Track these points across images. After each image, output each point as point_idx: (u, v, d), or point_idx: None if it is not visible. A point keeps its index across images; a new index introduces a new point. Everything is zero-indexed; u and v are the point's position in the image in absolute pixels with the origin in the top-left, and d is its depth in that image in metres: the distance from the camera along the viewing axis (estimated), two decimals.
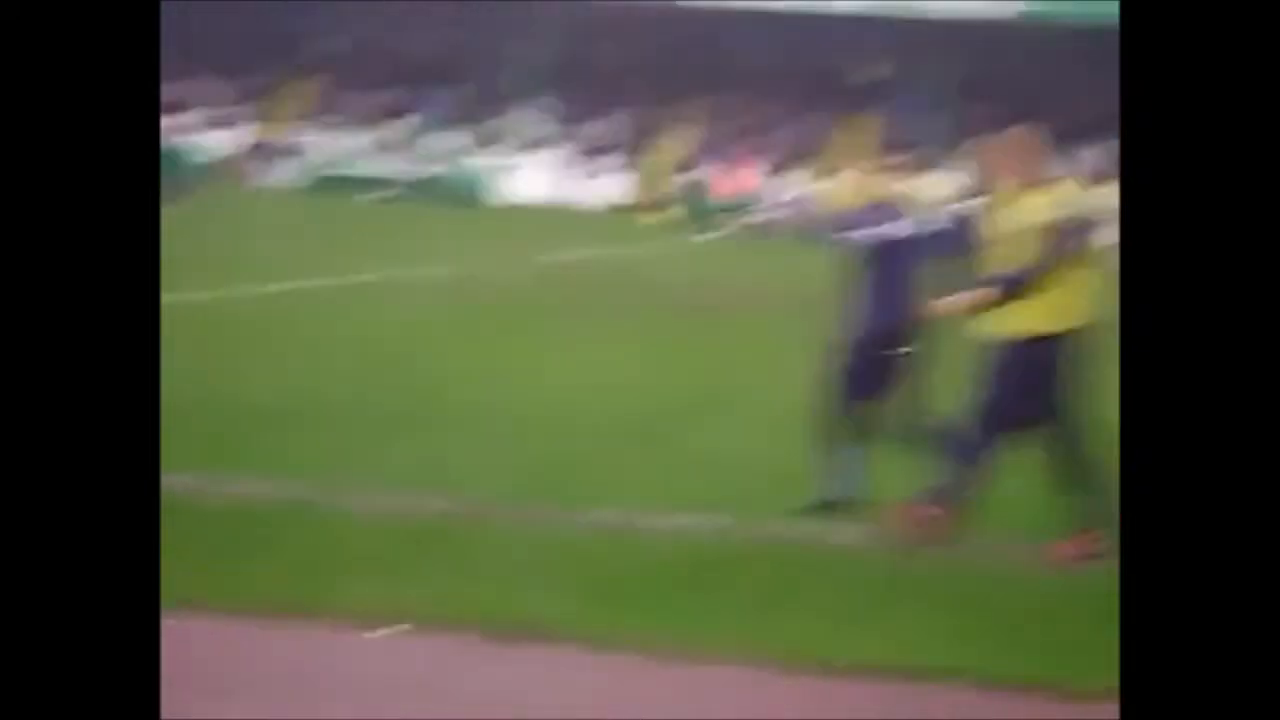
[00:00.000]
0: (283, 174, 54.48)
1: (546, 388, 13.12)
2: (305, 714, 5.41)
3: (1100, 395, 8.00)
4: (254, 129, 60.05)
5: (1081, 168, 55.55)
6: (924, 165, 46.74)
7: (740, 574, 7.33)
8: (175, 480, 7.17)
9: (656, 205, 47.13)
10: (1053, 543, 8.10)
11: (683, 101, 61.97)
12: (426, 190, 50.82)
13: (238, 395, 11.51)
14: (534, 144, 60.30)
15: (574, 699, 5.78)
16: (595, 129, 61.11)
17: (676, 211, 46.79)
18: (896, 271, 8.96)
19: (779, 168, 49.45)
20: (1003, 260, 8.17)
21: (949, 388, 8.61)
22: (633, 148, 59.23)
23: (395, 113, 61.49)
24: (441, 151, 55.82)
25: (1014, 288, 8.05)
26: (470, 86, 63.24)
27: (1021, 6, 55.04)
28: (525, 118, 61.13)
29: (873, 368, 8.97)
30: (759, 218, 45.19)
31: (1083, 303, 8.14)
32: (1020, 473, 8.42)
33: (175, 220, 16.06)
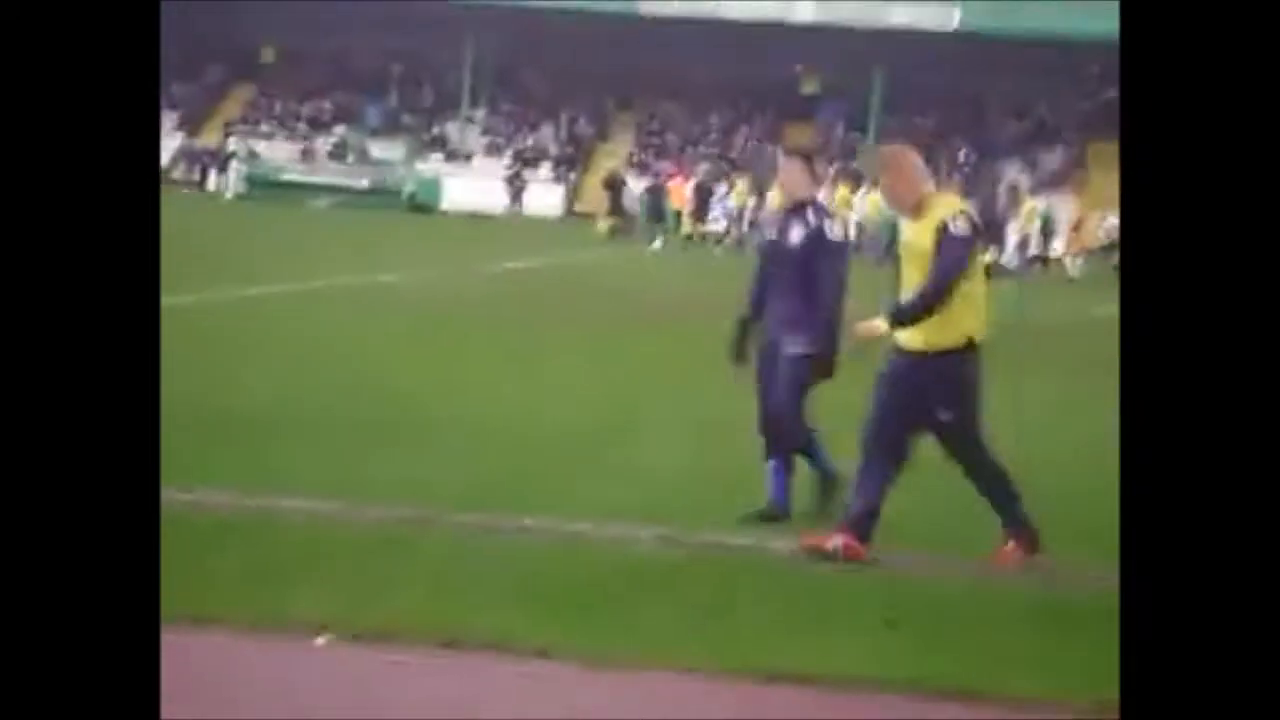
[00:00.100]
0: (217, 182, 54.11)
1: (495, 398, 13.08)
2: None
3: (990, 405, 8.13)
4: (182, 135, 59.65)
5: (1040, 174, 56.09)
6: (855, 175, 47.13)
7: (683, 583, 7.36)
8: None
9: (608, 214, 47.14)
10: (992, 551, 8.18)
11: (628, 110, 62.07)
12: (367, 198, 50.62)
13: (181, 402, 11.37)
14: (476, 152, 60.25)
15: (518, 706, 5.78)
16: (539, 136, 61.11)
17: (625, 220, 46.85)
18: (820, 272, 8.97)
19: (726, 176, 49.60)
20: (908, 273, 8.19)
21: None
22: (580, 156, 59.33)
23: (332, 120, 61.23)
24: (380, 159, 55.60)
25: (921, 310, 8.03)
26: (410, 93, 63.07)
27: (959, 14, 55.27)
28: (467, 126, 61.03)
29: (797, 372, 8.97)
30: (709, 226, 45.30)
31: (971, 316, 8.16)
32: (944, 485, 8.49)
33: None
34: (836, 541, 8.02)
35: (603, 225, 46.62)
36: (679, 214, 46.63)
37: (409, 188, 52.63)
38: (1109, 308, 15.22)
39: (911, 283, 8.13)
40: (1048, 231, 45.14)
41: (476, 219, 49.03)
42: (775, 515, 8.85)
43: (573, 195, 57.63)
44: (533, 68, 62.58)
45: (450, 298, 22.90)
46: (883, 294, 8.44)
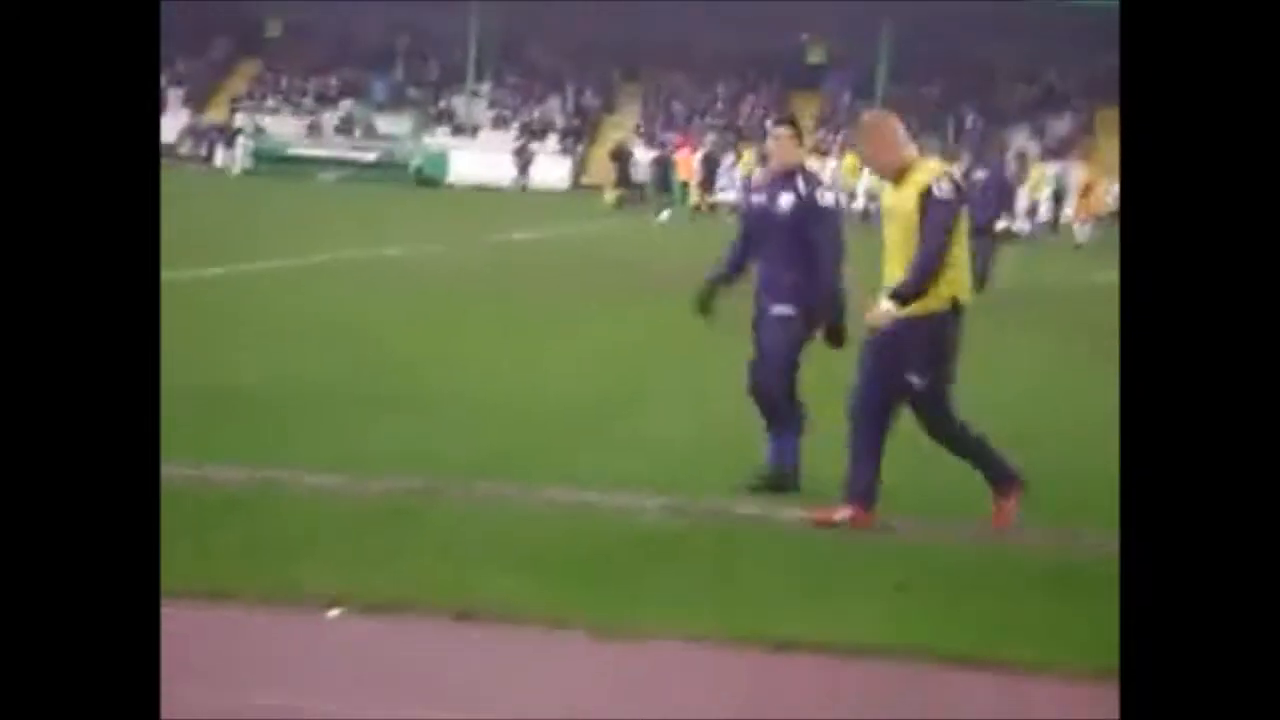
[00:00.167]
0: (224, 158, 54.10)
1: (502, 369, 13.10)
2: (256, 694, 5.40)
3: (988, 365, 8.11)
4: (188, 112, 59.62)
5: (1049, 140, 55.94)
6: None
7: (690, 552, 7.38)
8: None
9: (615, 185, 47.11)
10: (988, 513, 8.22)
11: (634, 81, 61.97)
12: (374, 172, 50.59)
13: (186, 377, 11.41)
14: (483, 125, 60.18)
15: (528, 675, 5.79)
16: (546, 109, 61.04)
17: (632, 192, 46.82)
18: (816, 240, 8.98)
19: (734, 147, 49.54)
20: (891, 239, 8.20)
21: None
22: (587, 128, 59.24)
23: (339, 95, 61.18)
24: (387, 133, 55.57)
25: (924, 282, 8.04)
26: (417, 67, 62.99)
27: None
28: (473, 99, 60.95)
29: (785, 333, 8.97)
30: (717, 197, 45.27)
31: (957, 277, 8.16)
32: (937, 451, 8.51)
33: None
34: (845, 513, 8.07)
35: (610, 197, 46.60)
36: (686, 185, 46.61)
37: (416, 161, 52.60)
38: (1110, 274, 15.22)
39: (895, 248, 8.16)
40: (1059, 196, 45.12)
41: (484, 192, 49.02)
42: (777, 480, 8.87)
43: (580, 167, 57.60)
44: (538, 40, 62.49)
45: (458, 270, 22.90)
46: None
